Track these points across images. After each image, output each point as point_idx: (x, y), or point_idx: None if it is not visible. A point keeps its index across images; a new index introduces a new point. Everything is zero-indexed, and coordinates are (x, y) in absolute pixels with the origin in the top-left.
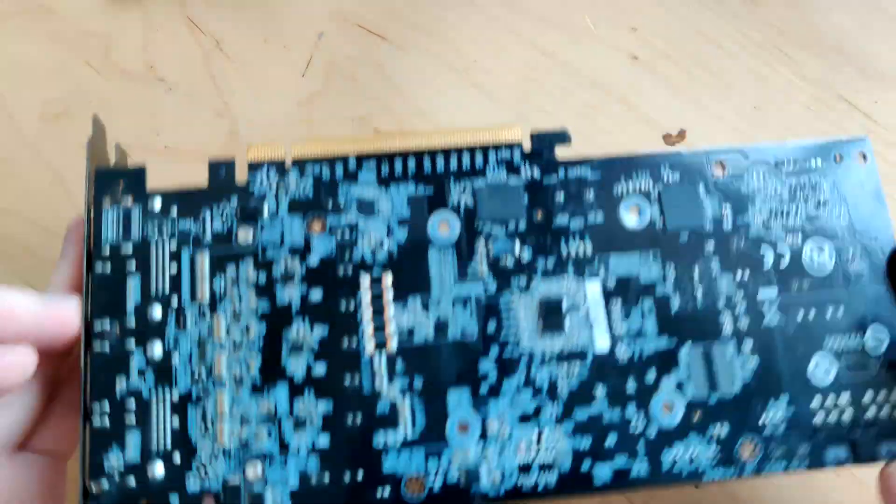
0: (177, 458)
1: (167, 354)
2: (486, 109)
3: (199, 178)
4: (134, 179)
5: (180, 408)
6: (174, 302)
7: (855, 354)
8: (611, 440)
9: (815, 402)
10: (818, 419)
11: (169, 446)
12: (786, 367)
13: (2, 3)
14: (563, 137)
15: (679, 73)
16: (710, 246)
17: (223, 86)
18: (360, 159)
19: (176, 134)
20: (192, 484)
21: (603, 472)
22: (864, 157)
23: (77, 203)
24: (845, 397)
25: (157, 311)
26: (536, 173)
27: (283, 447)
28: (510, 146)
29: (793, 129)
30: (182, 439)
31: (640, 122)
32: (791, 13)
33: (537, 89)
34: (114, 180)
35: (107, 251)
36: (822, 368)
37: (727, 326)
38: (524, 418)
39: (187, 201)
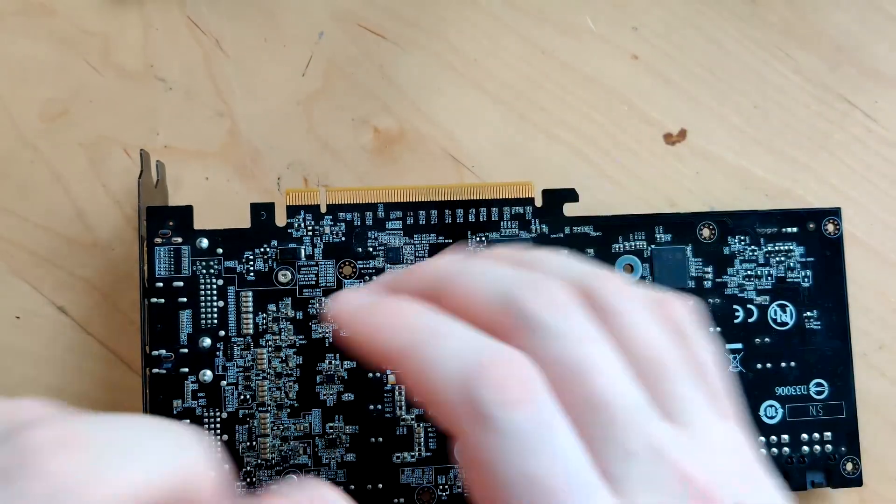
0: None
1: (217, 380)
2: (486, 109)
3: (198, 177)
4: (181, 217)
5: (229, 426)
6: (221, 333)
7: (798, 401)
8: None
9: (762, 440)
10: (762, 453)
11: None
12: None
13: (1, 2)
14: (571, 196)
15: (679, 73)
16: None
17: (223, 85)
18: (388, 208)
19: (176, 133)
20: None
21: None
22: (836, 227)
23: (76, 202)
24: (786, 436)
25: (206, 342)
26: (545, 229)
27: (317, 461)
28: (523, 202)
29: (793, 128)
30: (230, 452)
31: (640, 122)
32: (792, 13)
33: (537, 89)
34: (163, 217)
35: (160, 285)
36: (770, 411)
37: None
38: None
39: (231, 241)
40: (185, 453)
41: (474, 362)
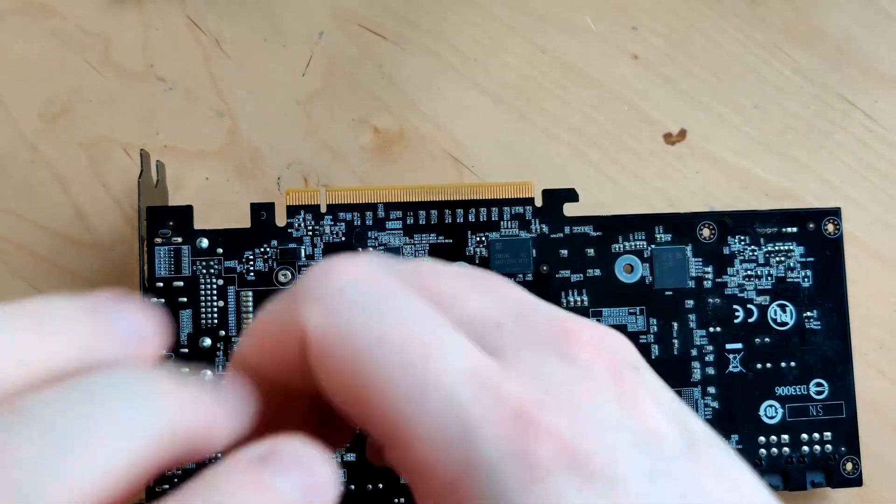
0: None
1: (217, 380)
2: (486, 109)
3: (198, 177)
4: (181, 217)
5: None
6: (222, 333)
7: (798, 401)
8: None
9: (762, 439)
10: (762, 453)
11: None
12: (741, 409)
13: (1, 2)
14: (571, 196)
15: (679, 73)
16: (690, 303)
17: (223, 85)
18: (388, 208)
19: (175, 133)
20: None
21: None
22: (836, 226)
23: (76, 202)
24: (786, 436)
25: (206, 342)
26: (545, 229)
27: None
28: (523, 202)
29: (793, 128)
30: None
31: (640, 122)
32: (791, 12)
33: (537, 89)
34: (163, 217)
35: (160, 285)
36: (770, 411)
37: (696, 374)
38: None
39: (231, 241)
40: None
41: (304, 277)
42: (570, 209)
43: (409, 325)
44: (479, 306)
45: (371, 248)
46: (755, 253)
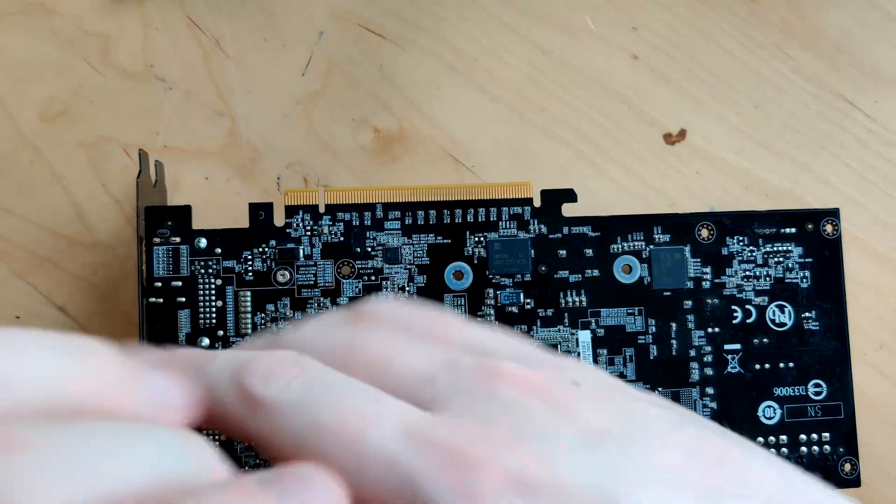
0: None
1: None
2: (486, 109)
3: (198, 177)
4: (180, 217)
5: None
6: (220, 333)
7: (797, 402)
8: None
9: (760, 440)
10: None
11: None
12: (739, 410)
13: (1, 1)
14: (570, 196)
15: (679, 73)
16: (688, 303)
17: (223, 85)
18: (387, 208)
19: (175, 133)
20: None
21: None
22: (834, 227)
23: (76, 202)
24: (784, 437)
25: (205, 342)
26: (544, 229)
27: None
28: (522, 202)
29: (793, 128)
30: (228, 452)
31: (640, 122)
32: (791, 13)
33: (537, 89)
34: (162, 217)
35: (158, 285)
36: (768, 412)
37: (695, 374)
38: None
39: (230, 242)
40: (162, 458)
41: (240, 363)
42: (568, 209)
43: (344, 409)
44: (413, 362)
45: (370, 250)
46: (754, 253)
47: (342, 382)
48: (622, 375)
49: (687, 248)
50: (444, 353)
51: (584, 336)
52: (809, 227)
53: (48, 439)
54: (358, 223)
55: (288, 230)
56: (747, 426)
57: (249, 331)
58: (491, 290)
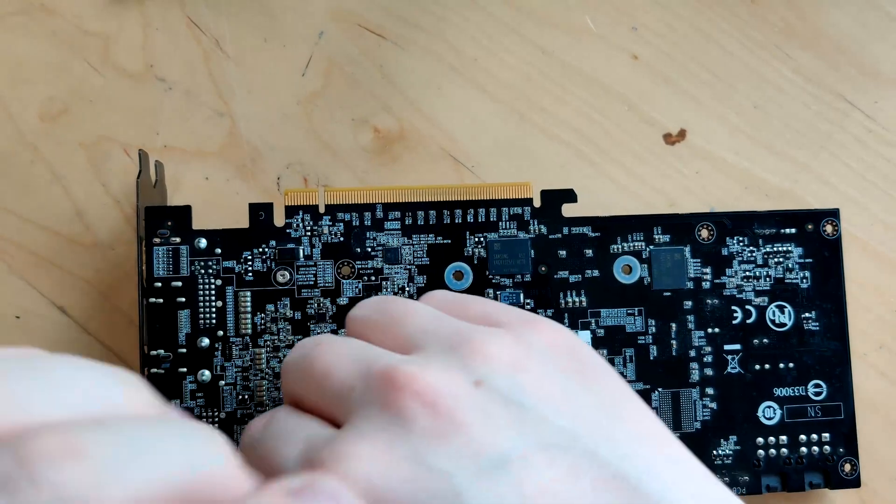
0: None
1: (215, 380)
2: (486, 109)
3: (198, 177)
4: (180, 217)
5: (227, 426)
6: (220, 333)
7: (797, 402)
8: None
9: (760, 440)
10: (760, 454)
11: None
12: (739, 410)
13: (1, 1)
14: (570, 196)
15: (679, 73)
16: (688, 304)
17: (223, 85)
18: (387, 209)
19: (175, 133)
20: None
21: None
22: (834, 227)
23: (76, 202)
24: (784, 437)
25: (204, 342)
26: (543, 229)
27: None
28: (522, 202)
29: (793, 128)
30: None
31: (640, 122)
32: (791, 12)
33: (537, 89)
34: (162, 218)
35: (158, 285)
36: (768, 412)
37: (694, 374)
38: None
39: (230, 242)
40: (198, 455)
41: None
42: (568, 210)
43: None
44: (342, 375)
45: (369, 250)
46: (754, 254)
47: (279, 423)
48: (622, 376)
49: (687, 249)
50: (366, 362)
51: (584, 336)
52: (809, 227)
53: (103, 441)
54: (358, 223)
55: (288, 230)
56: (747, 426)
57: (249, 331)
58: (491, 291)
